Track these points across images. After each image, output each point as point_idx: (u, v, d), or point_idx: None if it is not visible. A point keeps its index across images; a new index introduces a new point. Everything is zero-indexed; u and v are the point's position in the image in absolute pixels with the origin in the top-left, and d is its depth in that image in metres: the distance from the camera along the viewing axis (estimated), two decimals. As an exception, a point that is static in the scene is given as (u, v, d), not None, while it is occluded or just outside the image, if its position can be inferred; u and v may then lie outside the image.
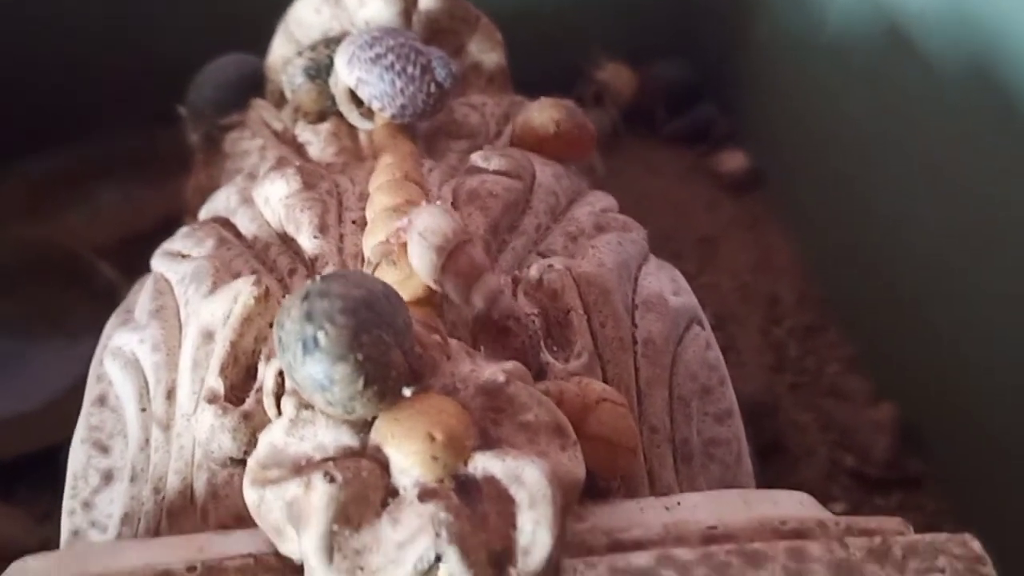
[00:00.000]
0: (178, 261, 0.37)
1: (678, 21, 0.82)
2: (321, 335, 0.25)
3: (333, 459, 0.26)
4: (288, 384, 0.28)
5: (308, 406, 0.27)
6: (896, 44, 0.60)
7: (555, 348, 0.34)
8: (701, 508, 0.29)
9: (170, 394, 0.33)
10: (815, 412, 0.63)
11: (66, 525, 0.34)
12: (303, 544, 0.25)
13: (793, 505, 0.30)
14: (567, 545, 0.27)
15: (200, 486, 0.31)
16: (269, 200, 0.38)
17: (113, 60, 0.74)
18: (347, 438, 0.27)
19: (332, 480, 0.25)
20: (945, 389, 0.58)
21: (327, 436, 0.27)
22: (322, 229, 0.36)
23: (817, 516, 0.29)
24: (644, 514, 0.29)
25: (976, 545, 0.27)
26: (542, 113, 0.44)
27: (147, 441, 0.33)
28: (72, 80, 0.73)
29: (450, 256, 0.30)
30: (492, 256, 0.36)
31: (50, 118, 0.73)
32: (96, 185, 0.74)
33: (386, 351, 0.26)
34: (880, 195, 0.62)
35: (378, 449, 0.26)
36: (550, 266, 0.34)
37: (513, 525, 0.25)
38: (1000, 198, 0.52)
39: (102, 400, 0.36)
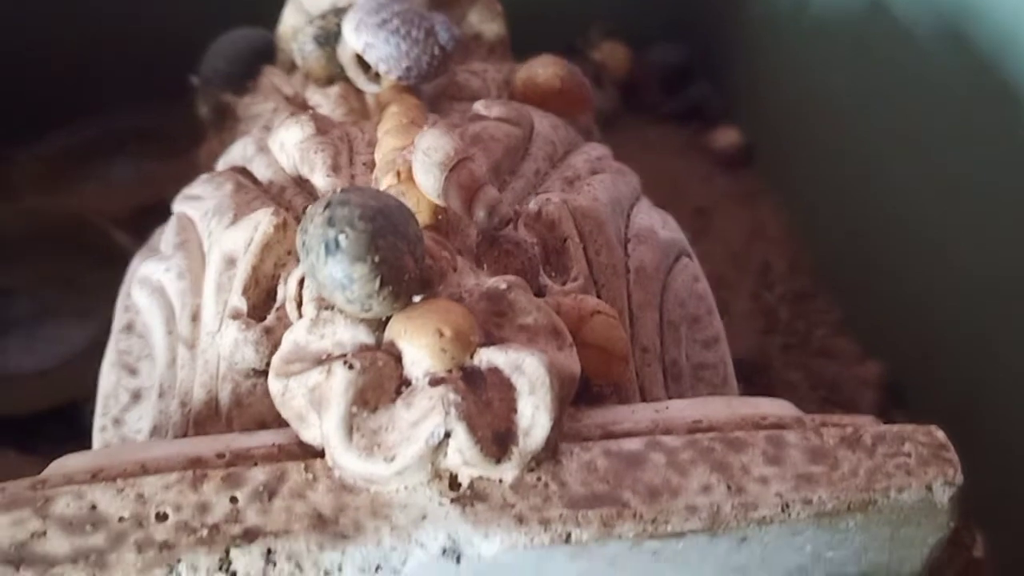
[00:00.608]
0: (200, 201, 0.40)
1: (673, 2, 0.85)
2: (342, 237, 0.28)
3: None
4: (308, 290, 0.30)
5: (328, 307, 0.30)
6: (879, 21, 0.63)
7: (553, 274, 0.36)
8: (688, 409, 0.32)
9: (195, 317, 0.36)
10: (805, 371, 0.65)
11: (97, 441, 0.36)
12: (325, 425, 0.27)
13: (774, 407, 0.32)
14: (564, 436, 0.29)
15: (224, 396, 0.34)
16: (284, 145, 0.41)
17: (123, 42, 0.76)
18: (364, 336, 0.29)
19: (351, 367, 0.28)
20: (928, 348, 0.60)
21: (345, 334, 0.29)
22: (335, 168, 0.39)
23: (795, 414, 0.31)
24: (635, 414, 0.31)
25: (940, 434, 0.30)
26: (547, 69, 0.46)
27: (174, 360, 0.36)
28: (84, 62, 0.76)
29: (452, 171, 0.33)
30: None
31: (64, 98, 0.75)
32: (109, 160, 0.76)
33: (400, 255, 0.28)
34: (867, 168, 0.65)
35: (392, 344, 0.29)
36: (548, 199, 0.37)
37: (515, 410, 0.28)
38: (981, 163, 0.54)
39: (129, 327, 0.38)
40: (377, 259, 0.28)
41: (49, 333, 0.65)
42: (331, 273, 0.28)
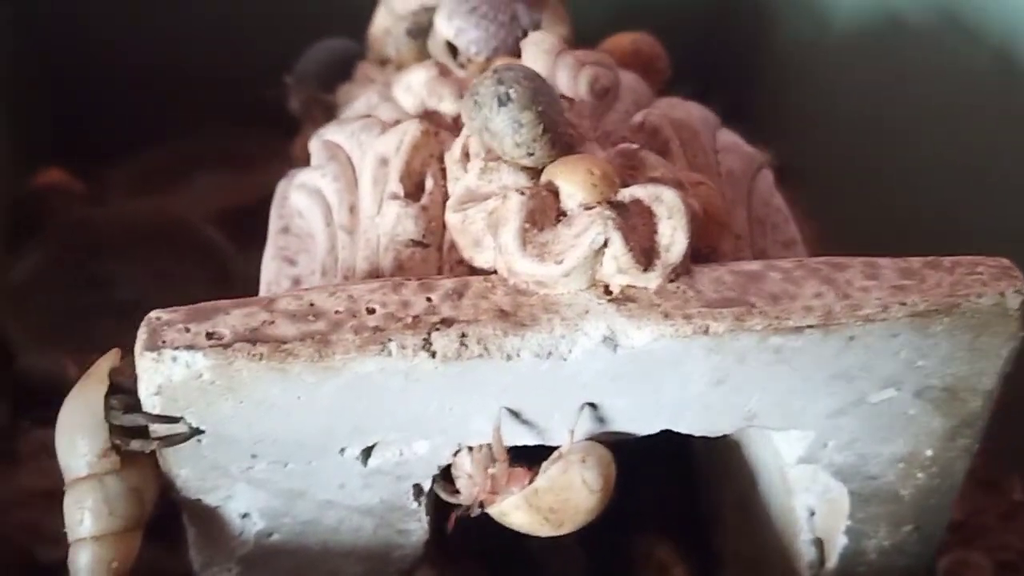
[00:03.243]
0: (341, 130, 0.46)
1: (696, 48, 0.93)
2: (512, 91, 0.34)
3: (516, 192, 0.34)
4: (475, 147, 0.36)
5: (494, 159, 0.35)
6: (898, 40, 0.71)
7: (658, 172, 0.42)
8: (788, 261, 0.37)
9: (351, 209, 0.42)
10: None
11: (262, 321, 0.41)
12: (502, 239, 0.33)
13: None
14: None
15: (387, 264, 0.39)
16: (411, 86, 0.47)
17: (208, 73, 0.84)
18: (524, 181, 0.35)
19: (523, 193, 0.33)
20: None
21: (509, 179, 0.35)
22: (462, 96, 0.45)
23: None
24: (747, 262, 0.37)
25: (1006, 261, 0.35)
26: (635, 38, 0.53)
27: (333, 246, 0.41)
28: (173, 88, 0.83)
29: (558, 56, 0.39)
30: (595, 117, 0.45)
31: (146, 123, 0.82)
32: (190, 175, 0.82)
33: (556, 111, 0.35)
34: (891, 179, 0.72)
35: (550, 183, 0.35)
36: (649, 112, 0.43)
37: (656, 232, 0.34)
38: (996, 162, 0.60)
39: (286, 229, 0.44)
40: (540, 109, 0.34)
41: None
42: (504, 120, 0.34)
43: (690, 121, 0.44)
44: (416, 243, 0.39)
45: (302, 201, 0.43)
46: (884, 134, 0.72)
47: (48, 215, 0.75)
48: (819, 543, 0.41)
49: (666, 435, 0.40)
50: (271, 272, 0.43)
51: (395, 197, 0.40)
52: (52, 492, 0.58)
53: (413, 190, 0.41)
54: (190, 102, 0.82)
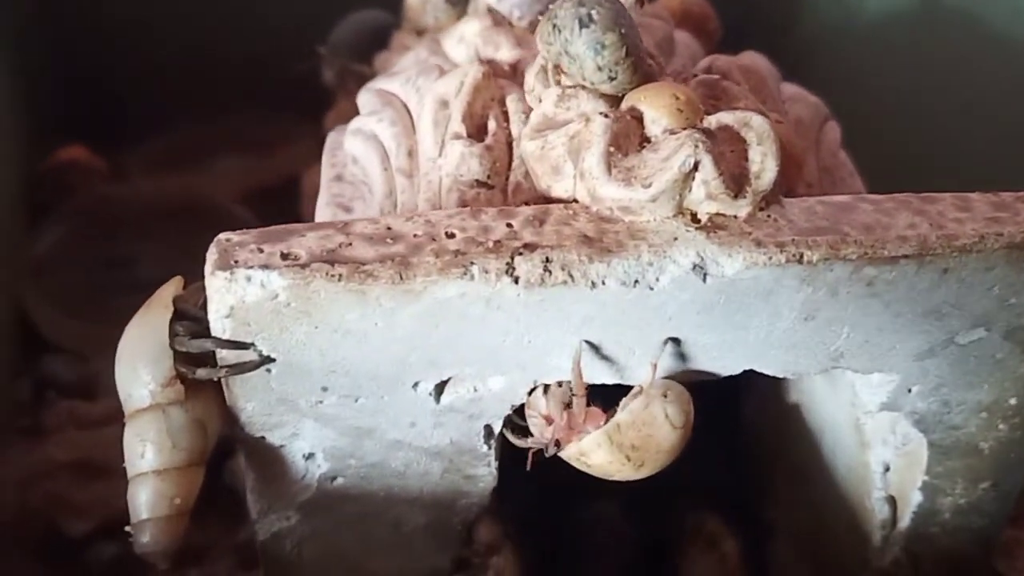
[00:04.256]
0: (394, 78, 0.45)
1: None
2: (594, 12, 0.33)
3: (597, 119, 0.33)
4: (545, 79, 0.35)
5: (571, 86, 0.34)
6: (930, 13, 0.70)
7: (726, 117, 0.41)
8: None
9: (410, 153, 0.40)
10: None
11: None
12: (586, 162, 0.32)
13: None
14: (778, 197, 0.33)
15: (450, 206, 0.38)
16: (464, 37, 0.46)
17: (234, 53, 0.82)
18: (603, 108, 0.34)
19: (607, 116, 0.32)
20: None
21: (588, 105, 0.34)
22: (520, 44, 0.44)
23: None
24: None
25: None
26: (695, 2, 0.52)
27: (391, 191, 0.40)
28: (198, 68, 0.82)
29: None
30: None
31: (178, 100, 0.81)
32: (210, 157, 0.81)
33: (637, 37, 0.33)
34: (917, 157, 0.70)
35: (633, 109, 0.33)
36: (716, 57, 0.42)
37: (745, 158, 0.32)
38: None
39: (339, 177, 0.42)
40: (623, 31, 0.33)
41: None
42: (585, 42, 0.33)
43: (757, 68, 0.42)
44: (481, 184, 0.38)
45: (357, 147, 0.42)
46: (913, 109, 0.71)
47: (69, 191, 0.74)
48: (892, 501, 0.40)
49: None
50: (325, 218, 0.41)
51: (458, 137, 0.38)
52: (77, 464, 0.57)
53: (475, 132, 0.39)
54: (215, 82, 0.81)
